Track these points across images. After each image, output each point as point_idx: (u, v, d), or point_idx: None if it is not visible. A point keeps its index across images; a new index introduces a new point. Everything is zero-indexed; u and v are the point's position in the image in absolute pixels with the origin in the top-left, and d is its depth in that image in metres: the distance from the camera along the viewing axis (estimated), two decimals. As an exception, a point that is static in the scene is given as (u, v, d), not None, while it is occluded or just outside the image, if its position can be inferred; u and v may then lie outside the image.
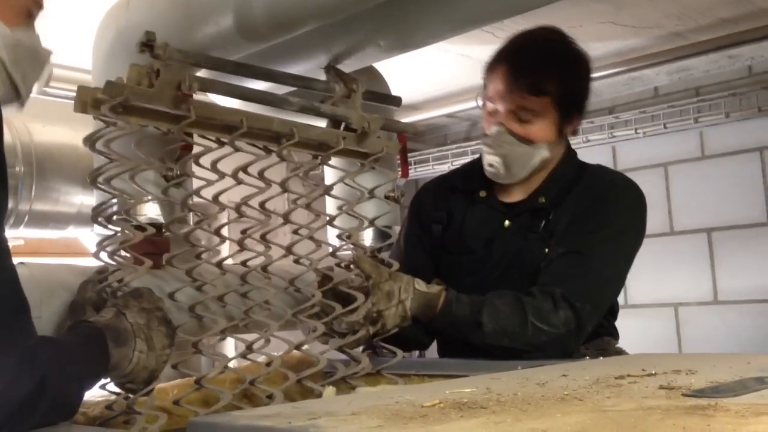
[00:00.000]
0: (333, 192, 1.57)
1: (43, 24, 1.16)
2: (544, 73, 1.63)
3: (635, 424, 0.67)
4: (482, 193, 1.75)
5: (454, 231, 1.78)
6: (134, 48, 1.52)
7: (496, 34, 2.62)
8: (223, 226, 1.33)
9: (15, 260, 1.14)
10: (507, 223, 1.71)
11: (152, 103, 1.17)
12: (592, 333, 1.64)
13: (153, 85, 1.17)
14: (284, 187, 1.39)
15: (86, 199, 2.06)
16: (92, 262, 1.32)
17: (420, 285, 1.50)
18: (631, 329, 1.84)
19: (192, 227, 1.32)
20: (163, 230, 1.42)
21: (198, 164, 1.27)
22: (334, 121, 1.47)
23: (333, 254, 1.57)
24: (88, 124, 1.70)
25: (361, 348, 1.56)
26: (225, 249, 2.06)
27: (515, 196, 1.74)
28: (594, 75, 3.00)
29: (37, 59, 1.13)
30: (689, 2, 2.47)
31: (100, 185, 1.21)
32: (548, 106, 1.63)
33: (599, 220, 1.63)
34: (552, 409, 0.76)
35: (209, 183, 1.27)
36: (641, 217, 1.71)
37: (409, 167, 3.27)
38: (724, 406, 0.74)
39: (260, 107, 1.39)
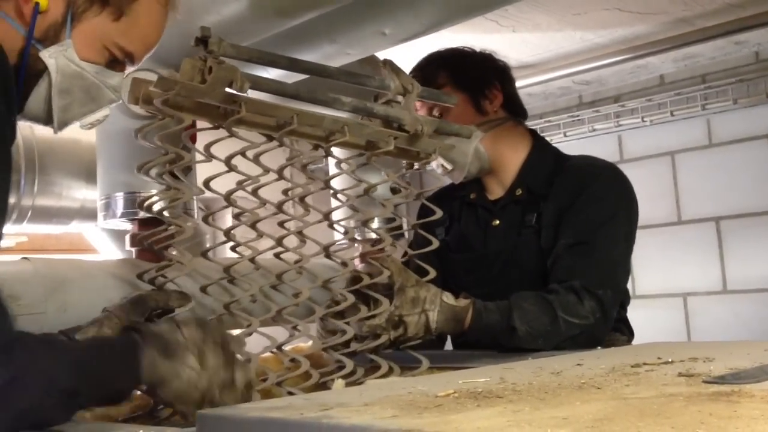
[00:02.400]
0: (336, 186, 1.53)
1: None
2: (431, 72, 1.77)
3: (659, 411, 0.65)
4: (472, 196, 1.84)
5: (454, 232, 1.85)
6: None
7: (500, 22, 2.60)
8: (260, 220, 1.28)
9: (18, 256, 1.12)
10: (496, 221, 1.78)
11: (203, 100, 1.16)
12: None
13: (205, 81, 1.15)
14: (328, 184, 1.38)
15: (89, 194, 2.05)
16: (97, 258, 1.31)
17: (448, 298, 1.47)
18: (640, 320, 1.83)
19: (235, 224, 1.30)
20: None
21: (245, 156, 1.24)
22: (385, 122, 1.43)
23: (363, 257, 1.56)
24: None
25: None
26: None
27: (497, 193, 1.81)
28: (599, 63, 3.03)
29: (95, 98, 1.12)
30: (695, -13, 2.44)
31: (151, 177, 1.21)
32: (450, 94, 1.70)
33: (588, 206, 1.67)
34: (570, 398, 0.74)
35: (251, 178, 1.24)
36: (627, 196, 1.74)
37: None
38: (748, 392, 0.72)
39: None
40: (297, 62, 1.34)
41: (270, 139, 1.26)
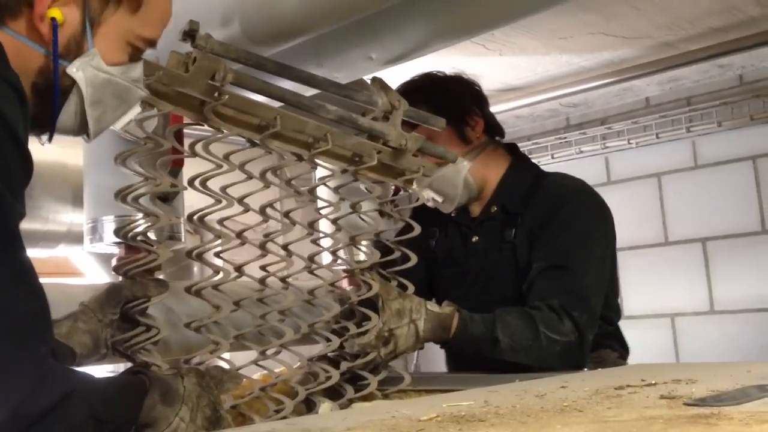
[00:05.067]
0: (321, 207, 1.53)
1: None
2: (414, 105, 1.70)
3: (637, 434, 0.65)
4: (453, 213, 1.84)
5: (441, 246, 1.87)
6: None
7: (487, 46, 2.63)
8: (245, 230, 1.27)
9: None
10: (475, 238, 1.80)
11: (185, 89, 1.14)
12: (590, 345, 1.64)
13: (189, 71, 1.14)
14: (312, 194, 1.38)
15: (76, 218, 2.04)
16: (83, 282, 1.30)
17: (432, 306, 1.49)
18: (628, 340, 1.84)
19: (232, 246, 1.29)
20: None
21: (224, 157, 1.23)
22: (369, 136, 1.44)
23: (350, 271, 1.54)
24: (76, 143, 1.68)
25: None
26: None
27: (476, 211, 1.83)
28: (585, 86, 3.06)
29: (125, 99, 1.06)
30: (679, 12, 2.47)
31: (129, 204, 1.20)
32: (436, 117, 1.70)
33: (560, 230, 1.67)
34: (552, 421, 0.75)
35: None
36: (600, 218, 1.74)
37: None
38: (726, 414, 0.73)
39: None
40: (285, 68, 1.32)
41: (253, 144, 1.25)
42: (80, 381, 0.91)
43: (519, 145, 3.47)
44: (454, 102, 1.80)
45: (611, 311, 1.77)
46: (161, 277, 1.37)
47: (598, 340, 1.68)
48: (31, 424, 0.82)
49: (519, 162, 1.85)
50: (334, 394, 1.33)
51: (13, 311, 0.84)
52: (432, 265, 1.86)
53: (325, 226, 1.62)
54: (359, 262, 1.60)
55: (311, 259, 1.39)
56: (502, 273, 1.72)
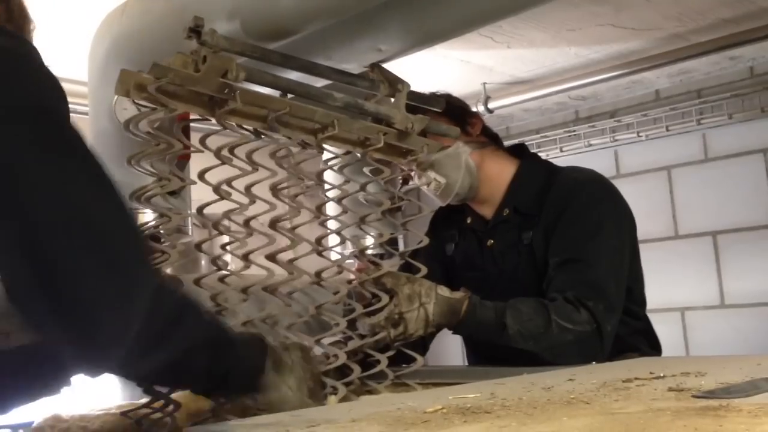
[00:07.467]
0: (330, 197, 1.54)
1: (36, 35, 1.15)
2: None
3: (645, 426, 0.65)
4: (468, 220, 1.87)
5: (460, 250, 1.88)
6: (130, 55, 1.52)
7: (494, 38, 2.61)
8: (252, 218, 1.28)
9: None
10: (490, 241, 1.81)
11: (197, 88, 1.16)
12: (613, 349, 1.63)
13: (199, 70, 1.16)
14: (320, 178, 1.40)
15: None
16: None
17: (443, 291, 1.51)
18: (638, 334, 1.83)
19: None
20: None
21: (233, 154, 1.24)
22: (375, 120, 1.48)
23: (363, 250, 1.58)
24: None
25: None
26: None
27: (489, 214, 1.84)
28: (594, 78, 3.04)
29: None
30: (689, 3, 2.45)
31: (142, 202, 1.22)
32: (438, 100, 1.76)
33: (572, 223, 1.69)
34: (558, 413, 0.74)
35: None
36: (614, 208, 1.75)
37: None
38: (735, 406, 0.72)
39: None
40: (289, 59, 1.35)
41: (258, 135, 1.26)
42: (193, 302, 0.94)
43: (528, 138, 3.49)
44: (455, 103, 1.87)
45: (635, 303, 1.76)
46: (168, 270, 1.37)
47: (624, 340, 1.67)
48: (152, 344, 0.83)
49: (529, 162, 1.86)
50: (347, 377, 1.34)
51: (128, 227, 0.85)
52: (450, 268, 1.88)
53: (333, 212, 1.63)
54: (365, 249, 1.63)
55: (318, 242, 1.40)
56: (522, 275, 1.73)
